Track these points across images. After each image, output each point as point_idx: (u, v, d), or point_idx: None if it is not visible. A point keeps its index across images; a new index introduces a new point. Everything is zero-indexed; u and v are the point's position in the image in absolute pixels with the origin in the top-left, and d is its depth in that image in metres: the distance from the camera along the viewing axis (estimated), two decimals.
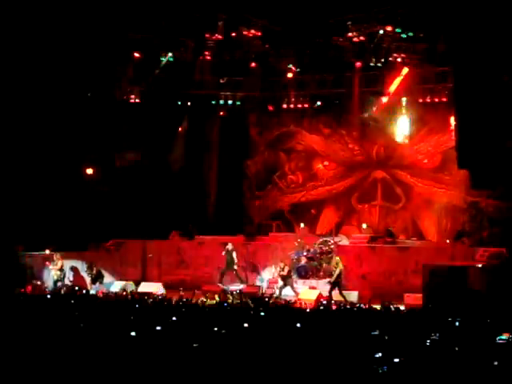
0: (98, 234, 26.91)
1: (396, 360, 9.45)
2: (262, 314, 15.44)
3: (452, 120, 27.02)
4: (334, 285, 23.06)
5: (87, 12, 25.25)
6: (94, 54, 26.29)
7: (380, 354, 9.94)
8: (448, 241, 26.83)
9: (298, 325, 13.26)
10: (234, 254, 25.56)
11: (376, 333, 12.05)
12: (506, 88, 25.00)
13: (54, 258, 25.08)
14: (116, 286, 24.53)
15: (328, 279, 23.88)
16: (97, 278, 25.26)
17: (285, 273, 24.15)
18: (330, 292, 22.95)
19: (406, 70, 27.25)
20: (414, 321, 15.05)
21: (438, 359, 9.85)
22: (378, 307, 18.94)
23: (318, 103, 29.79)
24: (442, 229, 28.65)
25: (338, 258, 23.73)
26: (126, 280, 25.50)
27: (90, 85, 27.36)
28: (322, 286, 24.32)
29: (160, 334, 11.70)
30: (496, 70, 24.50)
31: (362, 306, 19.41)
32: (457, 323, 14.31)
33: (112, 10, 25.55)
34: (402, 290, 23.18)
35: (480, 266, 21.85)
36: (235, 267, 25.64)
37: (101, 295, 21.90)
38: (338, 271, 23.12)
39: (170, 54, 28.27)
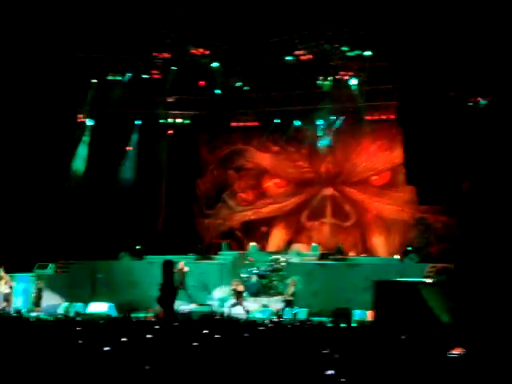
0: (45, 254, 26.54)
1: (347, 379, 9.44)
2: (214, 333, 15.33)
3: (400, 137, 27.39)
4: (288, 303, 23.18)
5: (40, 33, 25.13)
6: (52, 75, 26.18)
7: (332, 372, 9.91)
8: (397, 256, 27.03)
9: (249, 341, 13.19)
10: (185, 271, 25.35)
11: (326, 351, 12.04)
12: (451, 104, 25.40)
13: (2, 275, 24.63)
14: (62, 308, 24.21)
15: (282, 297, 23.95)
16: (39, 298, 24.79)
17: (239, 289, 24.11)
18: (283, 310, 23.01)
19: (353, 87, 27.52)
20: (364, 337, 15.08)
21: (389, 375, 9.87)
22: (328, 324, 18.96)
23: (267, 121, 29.92)
24: (391, 245, 28.89)
25: (290, 280, 23.86)
26: (76, 301, 25.18)
27: (48, 107, 27.11)
28: (274, 304, 24.35)
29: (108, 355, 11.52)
30: (441, 86, 24.88)
31: (312, 322, 19.39)
32: (406, 338, 14.38)
33: (62, 33, 25.42)
34: (352, 306, 23.29)
35: (428, 281, 22.04)
36: (186, 286, 25.45)
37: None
38: (290, 292, 23.29)
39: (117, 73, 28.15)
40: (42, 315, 22.37)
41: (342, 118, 28.95)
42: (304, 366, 10.36)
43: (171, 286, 22.66)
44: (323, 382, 9.48)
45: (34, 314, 22.92)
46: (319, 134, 29.30)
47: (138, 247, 28.14)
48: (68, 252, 27.15)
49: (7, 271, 24.83)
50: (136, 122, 30.12)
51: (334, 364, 10.35)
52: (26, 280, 25.65)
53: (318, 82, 27.84)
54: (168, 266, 22.76)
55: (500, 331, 15.42)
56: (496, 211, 25.10)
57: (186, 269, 25.38)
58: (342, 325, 20.94)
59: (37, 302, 24.81)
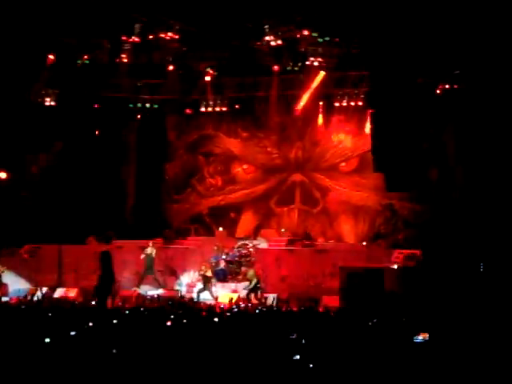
0: (11, 239, 26.31)
1: (314, 364, 9.48)
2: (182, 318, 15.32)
3: (368, 124, 27.47)
4: (251, 291, 23.27)
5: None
6: (7, 55, 25.72)
7: (298, 357, 9.95)
8: (364, 243, 27.15)
9: (217, 326, 13.21)
10: (153, 256, 25.28)
11: (294, 336, 12.07)
12: (419, 91, 25.51)
13: None
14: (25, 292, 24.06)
15: (247, 284, 24.02)
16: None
17: (208, 274, 24.14)
18: (248, 296, 23.08)
19: (322, 74, 27.54)
20: (331, 323, 15.15)
21: (356, 361, 9.92)
22: (295, 309, 19.02)
23: (236, 106, 29.85)
24: (359, 231, 29.03)
25: (252, 272, 23.92)
26: (43, 286, 25.02)
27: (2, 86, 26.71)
28: (241, 289, 24.40)
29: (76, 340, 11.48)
30: (409, 73, 24.95)
31: (279, 308, 19.45)
32: (373, 324, 14.47)
33: (28, 12, 25.04)
34: (320, 292, 23.40)
35: (395, 267, 22.20)
36: (154, 271, 25.40)
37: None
38: (253, 284, 23.37)
39: (86, 57, 27.86)
40: (7, 300, 22.18)
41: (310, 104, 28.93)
42: (272, 352, 10.39)
43: (110, 278, 22.40)
44: (291, 367, 9.51)
45: None
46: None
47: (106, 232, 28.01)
48: (35, 236, 26.93)
49: None
50: (104, 106, 29.85)
51: (302, 349, 10.40)
52: None
53: (287, 67, 27.80)
54: (106, 257, 22.52)
55: (465, 317, 15.58)
56: (463, 198, 25.31)
57: (154, 250, 25.30)
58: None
59: None
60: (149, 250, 25.29)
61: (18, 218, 26.98)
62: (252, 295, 23.31)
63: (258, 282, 23.46)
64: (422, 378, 8.97)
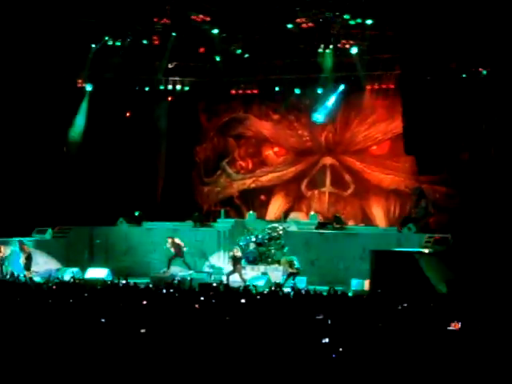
0: (44, 220, 26.53)
1: (343, 347, 9.45)
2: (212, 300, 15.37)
3: (400, 107, 27.26)
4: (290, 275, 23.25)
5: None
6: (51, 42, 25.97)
7: (327, 340, 9.93)
8: (395, 227, 27.03)
9: (245, 308, 13.23)
10: (179, 243, 25.35)
11: (321, 317, 12.07)
12: (451, 75, 25.26)
13: None
14: (63, 273, 24.24)
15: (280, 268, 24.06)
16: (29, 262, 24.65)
17: (238, 255, 24.19)
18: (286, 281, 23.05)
19: (355, 56, 27.38)
20: (361, 306, 15.11)
21: (387, 346, 9.87)
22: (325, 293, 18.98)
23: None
24: (390, 215, 28.88)
25: (284, 259, 23.87)
26: (73, 266, 25.24)
27: (48, 72, 26.92)
28: (271, 272, 24.41)
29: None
30: (443, 56, 24.72)
31: (308, 291, 19.42)
32: (402, 309, 14.41)
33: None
34: (350, 275, 23.35)
35: (426, 251, 22.07)
36: (183, 254, 25.49)
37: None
38: (290, 271, 23.31)
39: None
40: (39, 280, 22.37)
41: (342, 87, 28.77)
42: (299, 334, 10.38)
43: None
44: (319, 350, 9.50)
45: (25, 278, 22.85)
46: (317, 106, 29.10)
47: (136, 213, 28.14)
48: (66, 217, 27.14)
49: (5, 235, 24.81)
50: (135, 88, 29.91)
51: (330, 332, 10.37)
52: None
53: (319, 50, 27.63)
54: None
55: (497, 303, 15.44)
56: (495, 182, 25.08)
57: (178, 241, 25.38)
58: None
59: (28, 266, 24.61)
60: (169, 241, 25.31)
61: (50, 199, 27.18)
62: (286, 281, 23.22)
63: (295, 271, 23.30)
64: (452, 366, 8.89)
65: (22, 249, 24.69)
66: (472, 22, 23.57)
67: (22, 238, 25.09)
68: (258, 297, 17.07)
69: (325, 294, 17.94)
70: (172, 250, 25.31)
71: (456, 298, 17.44)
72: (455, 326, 11.39)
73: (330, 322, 11.67)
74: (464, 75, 25.62)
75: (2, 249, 24.51)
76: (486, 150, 25.97)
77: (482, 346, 9.73)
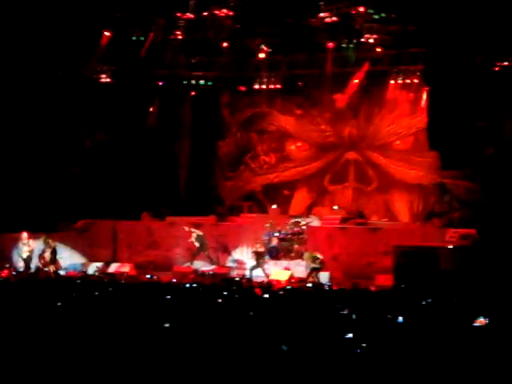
0: (67, 214, 26.67)
1: (367, 342, 9.41)
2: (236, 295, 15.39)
3: (423, 102, 27.13)
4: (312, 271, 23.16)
5: None
6: (62, 31, 25.98)
7: (351, 335, 9.90)
8: (419, 222, 26.91)
9: (268, 303, 13.23)
10: (202, 237, 25.42)
11: (345, 312, 12.04)
12: (476, 69, 25.08)
13: (23, 238, 24.73)
14: (87, 267, 24.38)
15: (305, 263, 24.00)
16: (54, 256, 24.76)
17: (261, 249, 24.20)
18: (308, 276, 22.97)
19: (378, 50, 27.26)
20: (384, 301, 15.06)
21: (410, 341, 9.83)
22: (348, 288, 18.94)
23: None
24: (414, 210, 28.75)
25: (308, 254, 23.76)
26: (97, 261, 25.36)
27: (58, 63, 26.99)
28: (294, 267, 24.39)
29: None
30: (467, 51, 24.56)
31: (331, 286, 19.40)
32: (427, 304, 14.34)
33: None
34: (373, 271, 23.29)
35: (450, 247, 21.96)
36: (206, 248, 25.55)
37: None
38: (313, 266, 23.19)
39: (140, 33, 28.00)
40: (63, 273, 22.53)
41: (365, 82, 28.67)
42: (323, 329, 10.36)
43: None
44: (343, 345, 9.47)
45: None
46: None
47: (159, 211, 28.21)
48: (90, 212, 27.27)
49: (30, 229, 24.96)
50: (159, 83, 29.99)
51: (354, 328, 10.34)
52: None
53: (343, 44, 27.54)
54: None
55: None
56: None
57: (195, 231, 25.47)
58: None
59: (52, 261, 24.73)
60: (195, 234, 25.39)
61: (73, 193, 27.32)
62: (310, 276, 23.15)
63: (319, 266, 23.22)
64: (477, 362, 8.82)
65: (46, 243, 24.83)
66: (496, 15, 23.39)
67: (46, 233, 25.23)
68: (281, 292, 17.07)
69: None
70: (196, 244, 25.38)
71: (481, 294, 17.33)
72: (481, 322, 11.30)
73: (354, 316, 11.63)
74: (489, 69, 25.45)
75: (31, 243, 24.68)
76: (510, 145, 25.79)
77: (509, 342, 9.66)
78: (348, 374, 8.34)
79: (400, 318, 10.96)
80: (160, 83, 29.96)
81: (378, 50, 27.14)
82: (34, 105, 26.85)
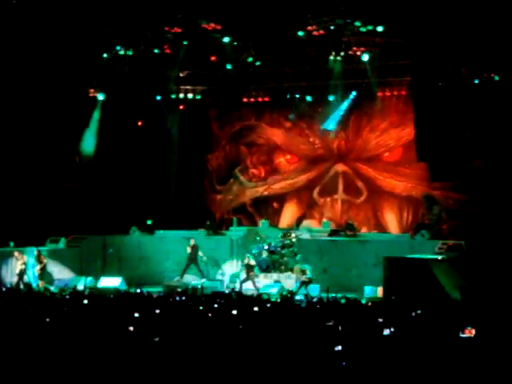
0: (57, 229, 26.61)
1: (356, 355, 9.43)
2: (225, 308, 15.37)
3: (411, 113, 27.24)
4: (301, 285, 23.16)
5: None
6: (63, 51, 26.14)
7: (340, 348, 9.91)
8: (408, 233, 26.96)
9: (258, 316, 13.23)
10: (197, 248, 25.43)
11: (331, 324, 12.05)
12: (463, 81, 25.23)
13: (16, 253, 24.60)
14: (76, 282, 24.28)
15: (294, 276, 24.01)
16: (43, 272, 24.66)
17: (251, 263, 24.18)
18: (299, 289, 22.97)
19: (366, 63, 27.37)
20: (374, 313, 15.07)
21: (399, 353, 9.84)
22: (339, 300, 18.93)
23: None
24: (403, 221, 28.84)
25: (298, 267, 23.79)
26: (87, 275, 25.27)
27: (51, 78, 27.04)
28: (284, 280, 24.38)
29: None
30: (454, 62, 24.69)
31: (323, 299, 19.38)
32: (416, 315, 14.36)
33: (73, 7, 25.30)
34: (363, 282, 23.29)
35: (439, 258, 22.00)
36: (197, 262, 25.51)
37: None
38: (303, 279, 23.21)
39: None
40: (52, 289, 22.44)
41: (353, 94, 28.77)
42: (311, 341, 10.37)
43: None
44: (332, 357, 9.48)
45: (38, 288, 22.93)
46: (328, 114, 29.11)
47: (148, 222, 28.18)
48: (79, 226, 27.22)
49: (18, 245, 24.87)
50: (147, 97, 30.00)
51: (343, 340, 10.35)
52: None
53: (330, 57, 27.65)
54: None
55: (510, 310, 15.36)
56: (508, 188, 24.99)
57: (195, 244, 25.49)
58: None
59: (42, 276, 24.64)
60: (192, 242, 25.43)
61: (63, 209, 27.28)
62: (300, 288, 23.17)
63: (307, 280, 23.22)
64: (466, 373, 8.84)
65: (38, 258, 24.75)
66: (483, 28, 23.53)
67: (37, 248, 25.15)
68: (270, 305, 17.05)
69: (343, 301, 17.83)
70: (189, 251, 25.33)
71: (470, 305, 17.35)
72: (469, 332, 11.32)
73: (341, 328, 11.64)
74: (476, 81, 25.60)
75: (25, 258, 24.58)
76: (498, 156, 25.90)
77: (497, 353, 9.68)
78: None
79: (386, 331, 10.94)
80: (148, 97, 29.94)
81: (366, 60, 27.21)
82: (26, 119, 26.83)
